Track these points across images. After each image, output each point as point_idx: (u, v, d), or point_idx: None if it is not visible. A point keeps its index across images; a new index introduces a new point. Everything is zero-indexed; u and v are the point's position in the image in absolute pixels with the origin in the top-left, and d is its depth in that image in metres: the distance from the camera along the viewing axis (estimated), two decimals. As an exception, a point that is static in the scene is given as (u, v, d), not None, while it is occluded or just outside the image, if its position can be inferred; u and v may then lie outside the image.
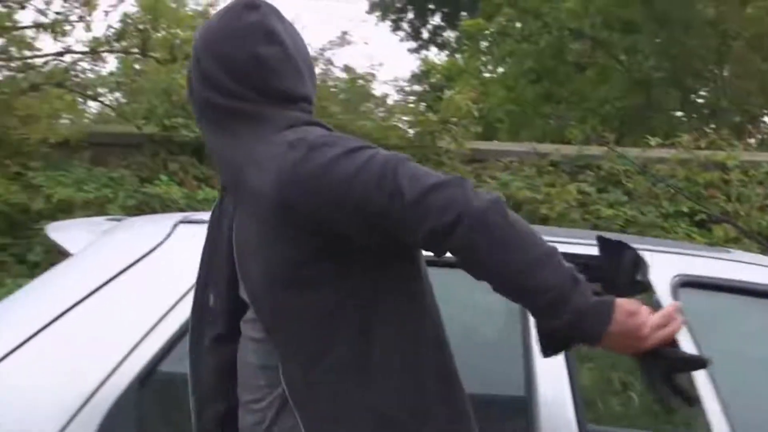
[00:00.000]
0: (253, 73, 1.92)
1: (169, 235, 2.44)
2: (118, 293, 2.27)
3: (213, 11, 9.68)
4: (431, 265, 2.55)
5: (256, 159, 1.85)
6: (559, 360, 2.37)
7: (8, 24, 7.63)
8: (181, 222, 2.51)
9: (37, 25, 7.54)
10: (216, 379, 2.00)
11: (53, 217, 6.43)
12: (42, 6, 7.57)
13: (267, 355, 1.89)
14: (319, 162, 1.78)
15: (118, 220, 2.89)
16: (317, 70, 8.24)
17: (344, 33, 8.82)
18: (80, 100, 8.62)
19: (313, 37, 8.31)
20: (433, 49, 23.23)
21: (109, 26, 7.66)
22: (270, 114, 1.91)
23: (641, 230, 6.90)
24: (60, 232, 2.91)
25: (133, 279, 2.30)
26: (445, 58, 21.35)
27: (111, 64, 8.85)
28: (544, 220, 6.78)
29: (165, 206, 6.52)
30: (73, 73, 8.17)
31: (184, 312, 2.17)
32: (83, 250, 2.48)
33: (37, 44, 8.01)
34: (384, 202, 1.74)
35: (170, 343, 2.23)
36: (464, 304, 2.96)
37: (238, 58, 1.92)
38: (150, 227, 2.64)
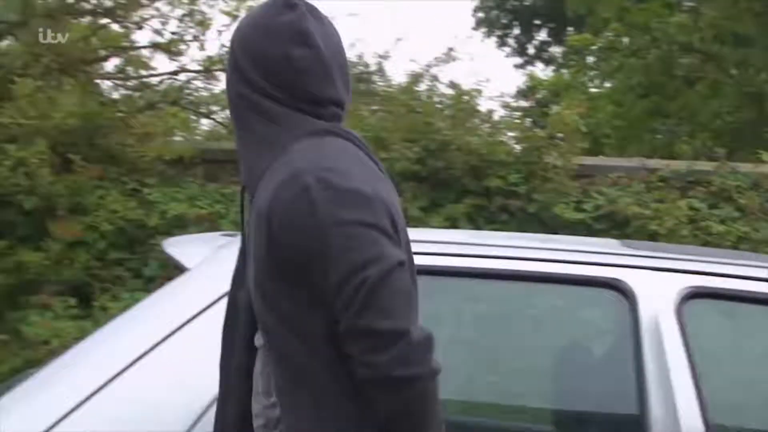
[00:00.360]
0: (283, 73, 1.93)
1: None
2: None
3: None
4: (542, 281, 2.57)
5: (271, 169, 1.87)
6: (672, 377, 2.36)
7: (126, 44, 7.87)
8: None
9: (154, 45, 7.75)
10: (238, 379, 2.01)
11: (168, 232, 6.60)
12: (158, 26, 7.79)
13: (265, 360, 1.92)
14: (313, 217, 1.78)
15: (233, 235, 2.94)
16: (422, 87, 8.35)
17: (450, 49, 8.82)
18: (193, 117, 8.83)
19: (420, 53, 8.30)
20: (539, 65, 23.13)
21: (222, 45, 7.82)
22: (294, 118, 1.93)
23: (754, 247, 6.74)
24: (176, 247, 2.96)
25: None
26: (551, 74, 21.21)
27: (223, 82, 9.05)
28: (654, 237, 6.69)
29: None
30: (187, 91, 8.39)
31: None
32: (199, 265, 2.53)
33: (153, 63, 8.26)
34: (338, 302, 1.74)
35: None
36: (574, 321, 2.96)
37: (270, 56, 1.94)
38: None
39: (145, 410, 2.22)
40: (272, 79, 1.93)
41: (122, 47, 7.90)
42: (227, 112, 8.49)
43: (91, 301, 6.29)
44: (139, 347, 2.27)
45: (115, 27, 7.83)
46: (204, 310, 2.31)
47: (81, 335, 5.78)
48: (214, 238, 2.99)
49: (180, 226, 6.65)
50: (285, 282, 1.81)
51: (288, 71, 1.93)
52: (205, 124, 9.48)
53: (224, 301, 2.23)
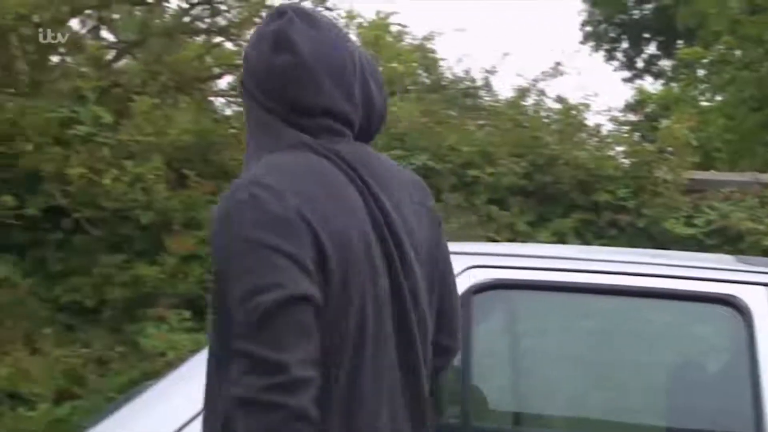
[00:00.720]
0: (269, 81, 1.91)
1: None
2: None
3: (429, 45, 9.92)
4: (654, 296, 2.56)
5: None
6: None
7: (238, 61, 8.04)
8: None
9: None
10: None
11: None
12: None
13: None
14: (228, 232, 1.75)
15: None
16: (529, 101, 8.34)
17: (557, 63, 8.80)
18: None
19: (527, 68, 8.31)
20: (648, 78, 22.81)
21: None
22: (280, 130, 1.88)
23: None
24: None
25: None
26: (660, 87, 20.90)
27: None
28: (768, 252, 6.56)
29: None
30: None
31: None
32: None
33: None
34: (234, 319, 1.71)
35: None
36: (687, 337, 2.93)
37: (258, 65, 1.93)
38: None
39: None
40: (262, 87, 1.91)
41: (235, 65, 8.07)
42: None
43: (205, 314, 6.42)
44: None
45: (229, 45, 8.01)
46: None
47: (196, 348, 5.92)
48: None
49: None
50: (216, 283, 1.82)
51: (271, 79, 1.90)
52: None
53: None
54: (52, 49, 7.72)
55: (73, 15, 7.85)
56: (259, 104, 1.91)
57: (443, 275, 2.02)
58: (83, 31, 8.14)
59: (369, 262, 1.81)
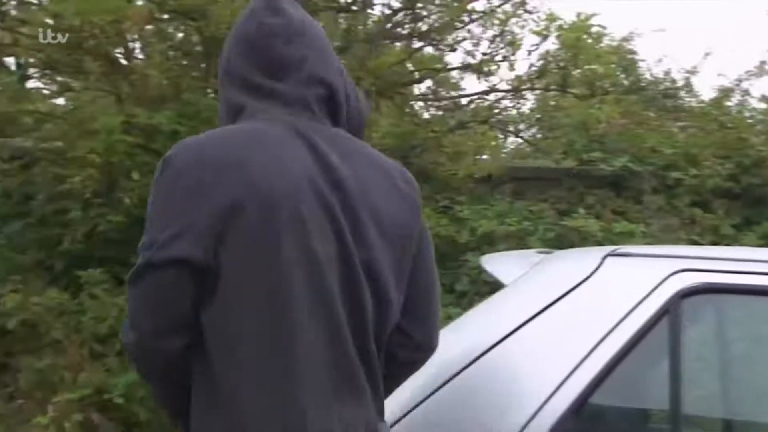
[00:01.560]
0: (256, 40, 1.98)
1: (597, 268, 2.45)
2: (550, 324, 2.34)
3: (628, 45, 9.78)
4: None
5: None
6: None
7: (439, 66, 8.17)
8: (609, 255, 2.52)
9: (465, 66, 7.99)
10: None
11: (478, 248, 6.78)
12: (470, 48, 8.01)
13: None
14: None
15: (547, 252, 2.98)
16: (733, 102, 8.10)
17: (762, 62, 8.51)
18: (500, 136, 9.01)
19: (729, 67, 8.10)
20: None
21: (532, 65, 7.95)
22: (248, 109, 1.95)
23: None
24: (493, 263, 3.02)
25: (564, 310, 2.36)
26: None
27: (530, 100, 9.21)
28: None
29: (582, 239, 6.63)
30: (496, 110, 8.59)
31: (613, 344, 2.24)
32: (516, 281, 2.61)
33: (463, 84, 8.51)
34: None
35: (601, 374, 2.23)
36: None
37: (246, 27, 2.00)
38: (580, 260, 2.66)
39: (462, 427, 2.27)
40: (247, 51, 1.99)
41: (435, 69, 8.19)
42: (533, 130, 8.70)
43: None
44: (457, 363, 2.34)
45: (429, 49, 8.13)
46: (521, 326, 2.37)
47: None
48: (529, 255, 3.04)
49: (489, 242, 6.80)
50: None
51: (260, 39, 1.98)
52: (510, 142, 9.67)
53: (542, 317, 2.30)
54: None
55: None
56: (235, 81, 1.99)
57: (420, 264, 2.01)
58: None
59: (301, 225, 1.81)
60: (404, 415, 2.23)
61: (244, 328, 1.79)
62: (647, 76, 10.33)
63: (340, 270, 1.84)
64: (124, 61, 7.23)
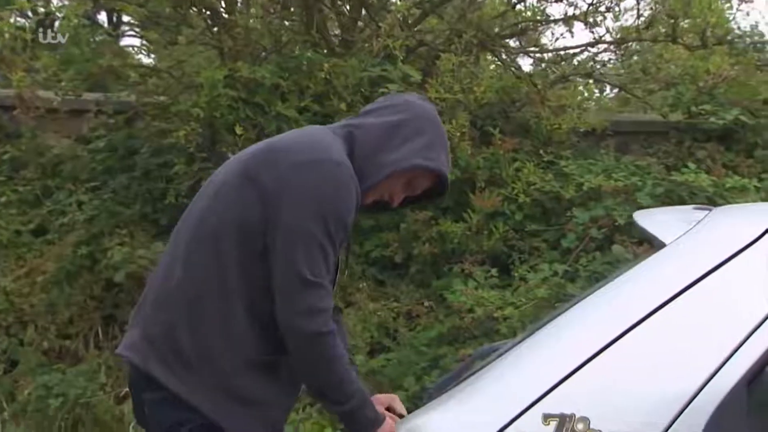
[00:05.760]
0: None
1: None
2: (722, 285, 2.16)
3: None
4: None
5: None
6: None
7: (540, 18, 7.95)
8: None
9: (568, 18, 7.76)
10: None
11: (583, 204, 6.62)
12: (573, -1, 7.76)
13: None
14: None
15: (706, 209, 2.79)
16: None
17: None
18: (605, 89, 8.78)
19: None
20: None
21: (639, 14, 7.70)
22: None
23: None
24: (649, 220, 2.87)
25: (737, 270, 2.18)
26: None
27: (635, 52, 8.94)
28: None
29: (692, 195, 6.43)
30: (599, 62, 8.36)
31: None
32: (681, 239, 2.46)
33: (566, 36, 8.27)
34: None
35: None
36: None
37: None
38: (749, 217, 2.53)
39: (622, 396, 2.13)
40: None
41: (538, 21, 7.98)
42: (638, 82, 8.43)
43: (511, 271, 6.44)
44: (616, 327, 2.21)
45: (531, 0, 7.92)
46: (685, 289, 2.22)
47: (501, 304, 5.93)
48: (686, 211, 2.86)
49: (595, 198, 6.64)
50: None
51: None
52: (615, 95, 9.40)
53: (712, 277, 2.15)
54: (362, 8, 7.93)
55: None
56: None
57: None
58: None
59: None
60: (567, 377, 2.11)
61: None
62: (762, 27, 10.02)
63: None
64: (225, 15, 7.19)
